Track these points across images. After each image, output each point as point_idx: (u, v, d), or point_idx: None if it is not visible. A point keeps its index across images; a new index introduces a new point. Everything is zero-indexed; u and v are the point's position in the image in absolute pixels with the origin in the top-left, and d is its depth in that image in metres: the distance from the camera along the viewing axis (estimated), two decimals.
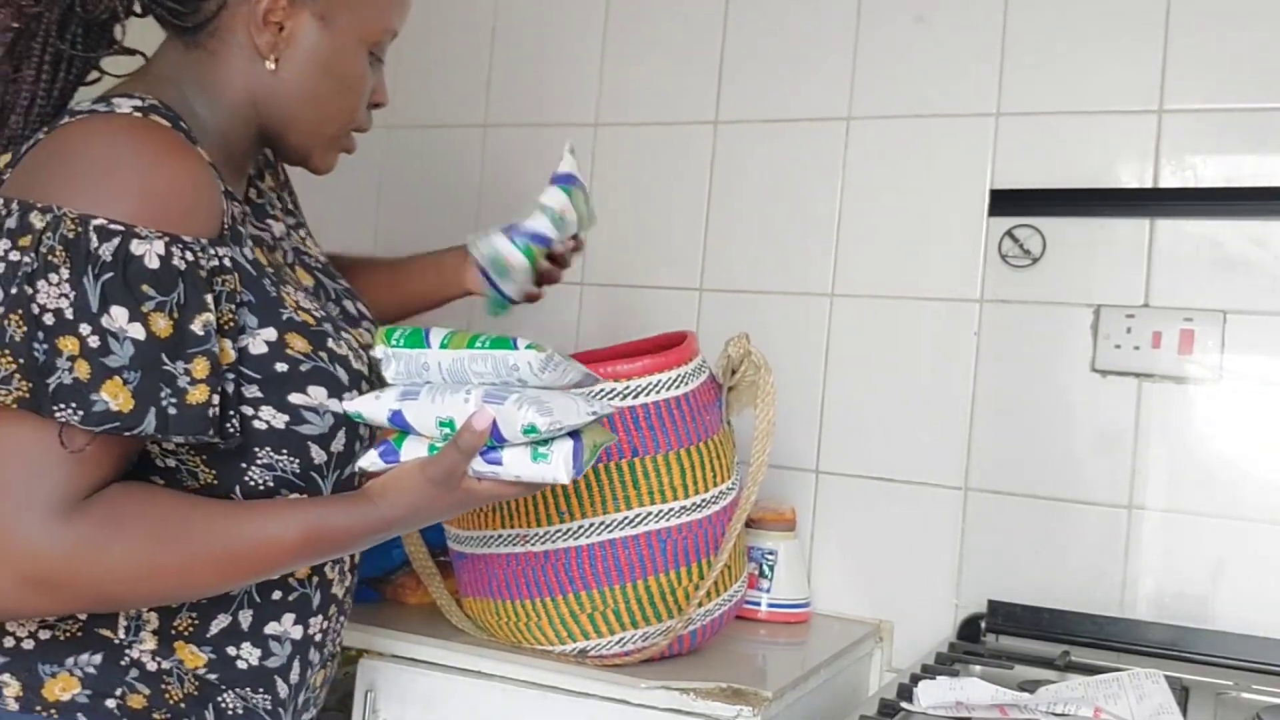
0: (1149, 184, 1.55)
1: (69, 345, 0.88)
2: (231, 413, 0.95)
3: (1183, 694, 1.30)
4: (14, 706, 0.96)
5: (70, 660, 0.98)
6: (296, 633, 1.06)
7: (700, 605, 1.27)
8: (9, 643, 0.98)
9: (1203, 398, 1.51)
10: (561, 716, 1.26)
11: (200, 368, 0.92)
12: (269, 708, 1.05)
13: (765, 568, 1.57)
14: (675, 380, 1.26)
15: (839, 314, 1.70)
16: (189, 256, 0.93)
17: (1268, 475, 1.48)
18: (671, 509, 1.25)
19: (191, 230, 0.94)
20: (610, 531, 1.24)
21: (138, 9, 1.05)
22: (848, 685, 1.53)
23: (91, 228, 0.89)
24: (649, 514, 1.25)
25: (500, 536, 1.28)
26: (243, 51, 1.05)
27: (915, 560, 1.63)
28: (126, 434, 0.90)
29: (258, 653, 1.04)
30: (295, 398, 0.99)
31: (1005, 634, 1.55)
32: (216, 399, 0.93)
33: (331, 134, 1.12)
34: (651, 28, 1.84)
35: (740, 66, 1.78)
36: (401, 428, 0.98)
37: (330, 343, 1.04)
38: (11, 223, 0.90)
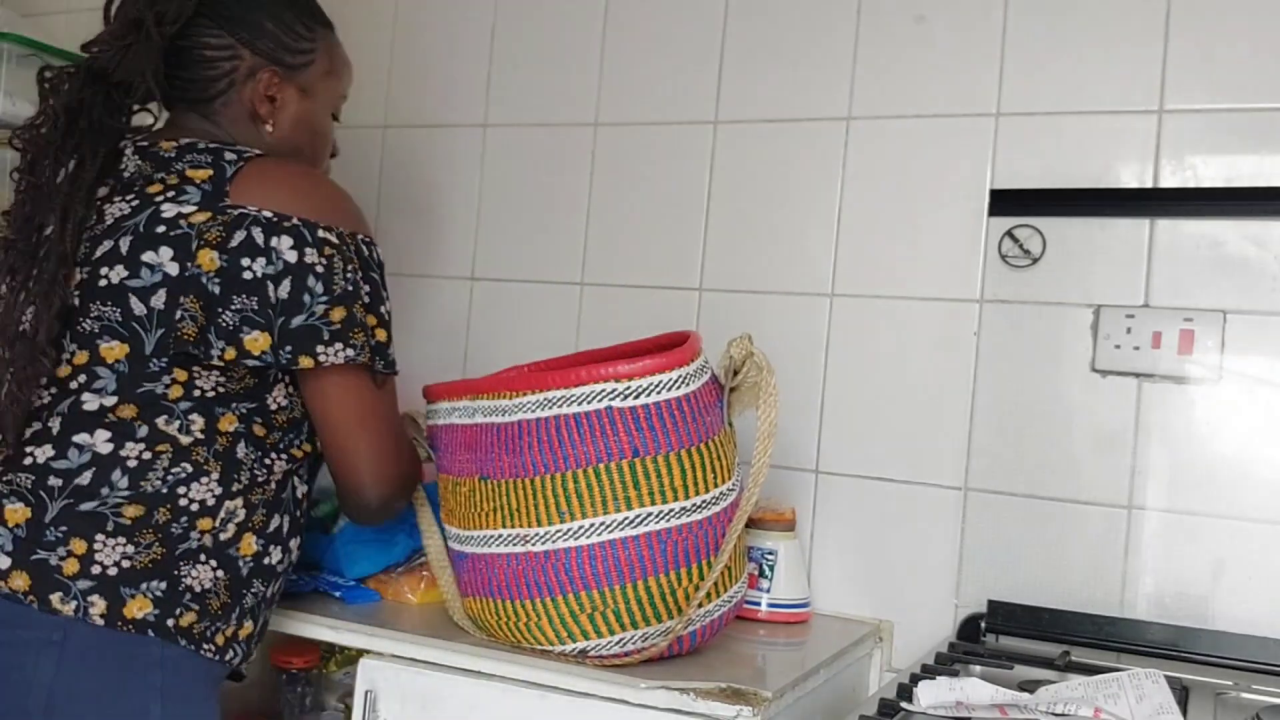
0: (1149, 184, 1.55)
1: (372, 320, 1.28)
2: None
3: (1183, 694, 1.30)
4: (99, 622, 1.17)
5: (145, 585, 1.19)
6: (289, 557, 1.36)
7: (700, 606, 1.27)
8: (96, 570, 1.18)
9: (1203, 398, 1.51)
10: (561, 716, 1.26)
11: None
12: (267, 596, 1.31)
13: (765, 568, 1.57)
14: (677, 380, 1.26)
15: (839, 314, 1.70)
16: (379, 253, 1.33)
17: (1268, 475, 1.48)
18: (672, 509, 1.25)
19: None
20: (610, 532, 1.24)
21: (156, 93, 1.33)
22: (848, 685, 1.53)
23: (359, 241, 1.29)
24: (649, 514, 1.24)
25: (500, 536, 1.28)
26: (245, 115, 1.38)
27: (915, 560, 1.63)
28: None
29: (278, 555, 1.32)
30: None
31: (1005, 634, 1.55)
32: None
33: None
34: (651, 27, 1.84)
35: (740, 66, 1.78)
36: None
37: None
38: (309, 235, 1.25)
